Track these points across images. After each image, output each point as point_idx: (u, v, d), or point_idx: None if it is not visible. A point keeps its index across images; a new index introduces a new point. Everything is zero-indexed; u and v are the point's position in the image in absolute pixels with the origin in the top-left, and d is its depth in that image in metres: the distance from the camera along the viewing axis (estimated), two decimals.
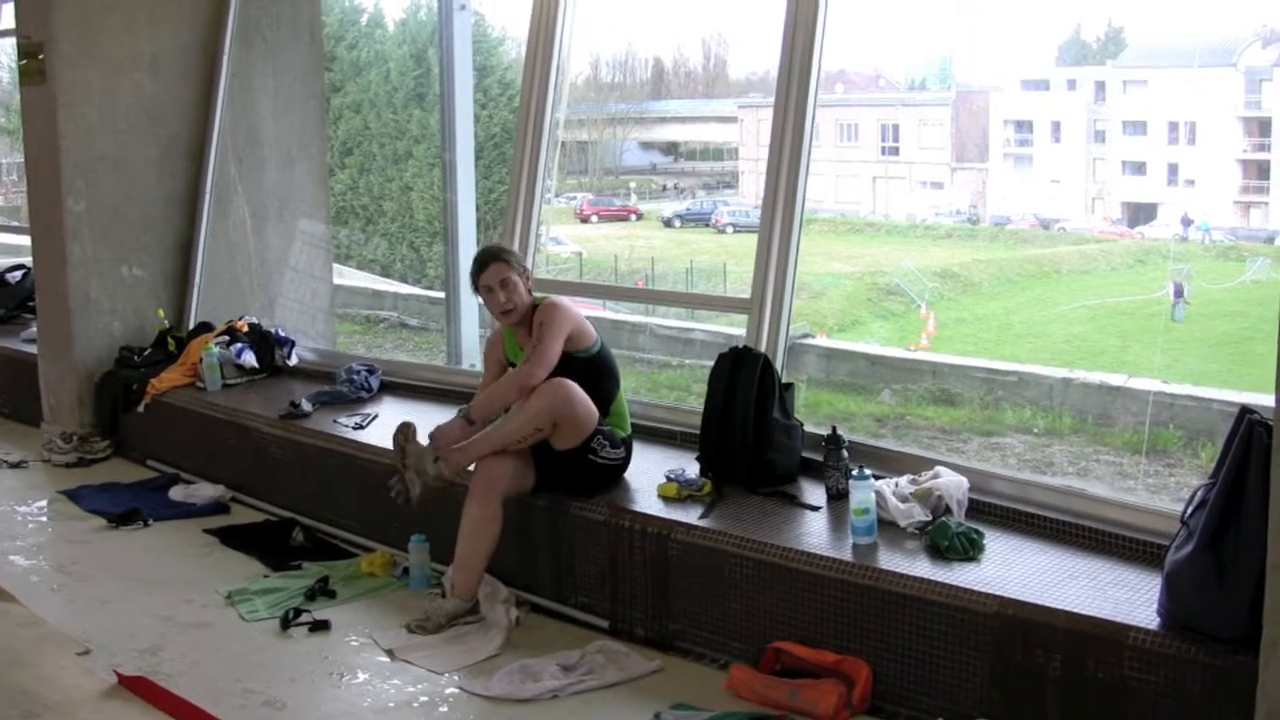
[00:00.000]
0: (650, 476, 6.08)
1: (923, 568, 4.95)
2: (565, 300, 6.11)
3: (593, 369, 5.97)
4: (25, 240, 10.40)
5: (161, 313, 9.12)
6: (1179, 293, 18.86)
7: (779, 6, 6.45)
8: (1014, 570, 4.88)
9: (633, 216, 26.34)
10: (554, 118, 7.72)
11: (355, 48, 26.16)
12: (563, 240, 23.55)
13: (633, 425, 6.32)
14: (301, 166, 9.82)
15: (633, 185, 27.29)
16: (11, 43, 12.24)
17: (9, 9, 11.28)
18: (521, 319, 6.06)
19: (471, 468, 5.89)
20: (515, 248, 7.62)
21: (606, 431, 5.96)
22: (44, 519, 7.70)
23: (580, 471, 5.91)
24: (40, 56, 8.69)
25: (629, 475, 6.14)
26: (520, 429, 5.82)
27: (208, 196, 9.35)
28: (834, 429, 5.82)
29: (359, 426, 7.42)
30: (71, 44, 8.71)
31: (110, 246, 9.00)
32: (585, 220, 26.03)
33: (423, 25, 25.17)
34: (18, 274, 11.14)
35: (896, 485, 5.49)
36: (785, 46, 6.41)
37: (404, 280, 23.98)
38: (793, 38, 6.39)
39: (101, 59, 8.85)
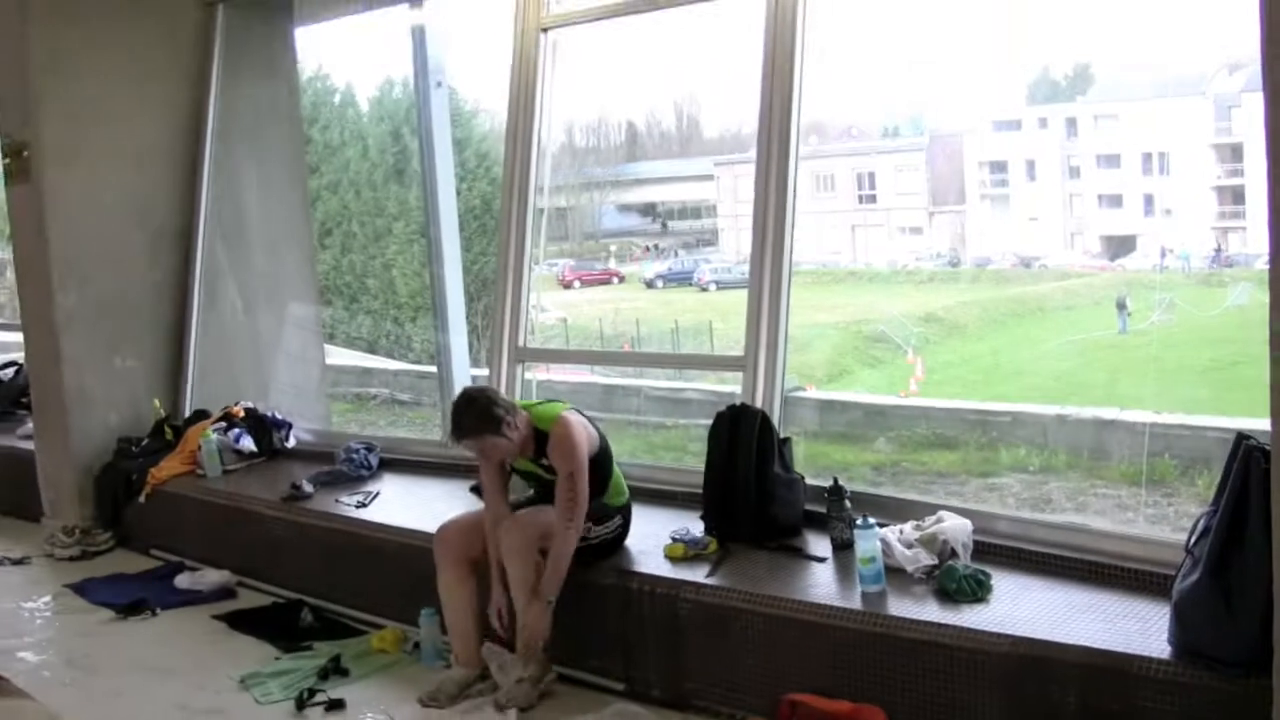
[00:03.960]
0: (656, 538, 6.11)
1: (932, 612, 4.98)
2: (571, 420, 5.84)
3: (595, 466, 5.91)
4: (15, 337, 10.46)
5: (158, 402, 9.15)
6: (1121, 306, 19.02)
7: (751, 64, 6.52)
8: (1023, 608, 4.92)
9: (615, 279, 26.37)
10: (537, 186, 7.78)
11: (328, 129, 26.21)
12: (547, 308, 23.59)
13: (635, 488, 6.36)
14: (288, 249, 9.88)
15: (613, 248, 27.35)
16: None
17: None
18: (521, 447, 5.89)
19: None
20: (506, 317, 7.67)
21: (591, 511, 5.88)
22: (50, 614, 7.70)
23: (579, 557, 5.81)
24: (25, 154, 8.75)
25: (635, 538, 6.16)
26: (526, 577, 5.72)
27: (197, 284, 9.41)
28: (835, 480, 5.86)
29: (361, 505, 7.44)
30: (56, 141, 8.76)
31: (103, 339, 9.04)
32: (568, 286, 26.03)
33: (398, 102, 25.21)
34: (9, 371, 11.16)
35: (901, 532, 5.52)
36: (764, 102, 6.47)
37: (390, 356, 23.94)
38: (770, 93, 6.45)
39: (86, 155, 8.90)
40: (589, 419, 6.11)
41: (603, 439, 6.03)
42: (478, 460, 6.02)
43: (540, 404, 6.07)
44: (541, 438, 5.83)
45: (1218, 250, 20.00)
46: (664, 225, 26.57)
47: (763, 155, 6.50)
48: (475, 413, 5.78)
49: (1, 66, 8.95)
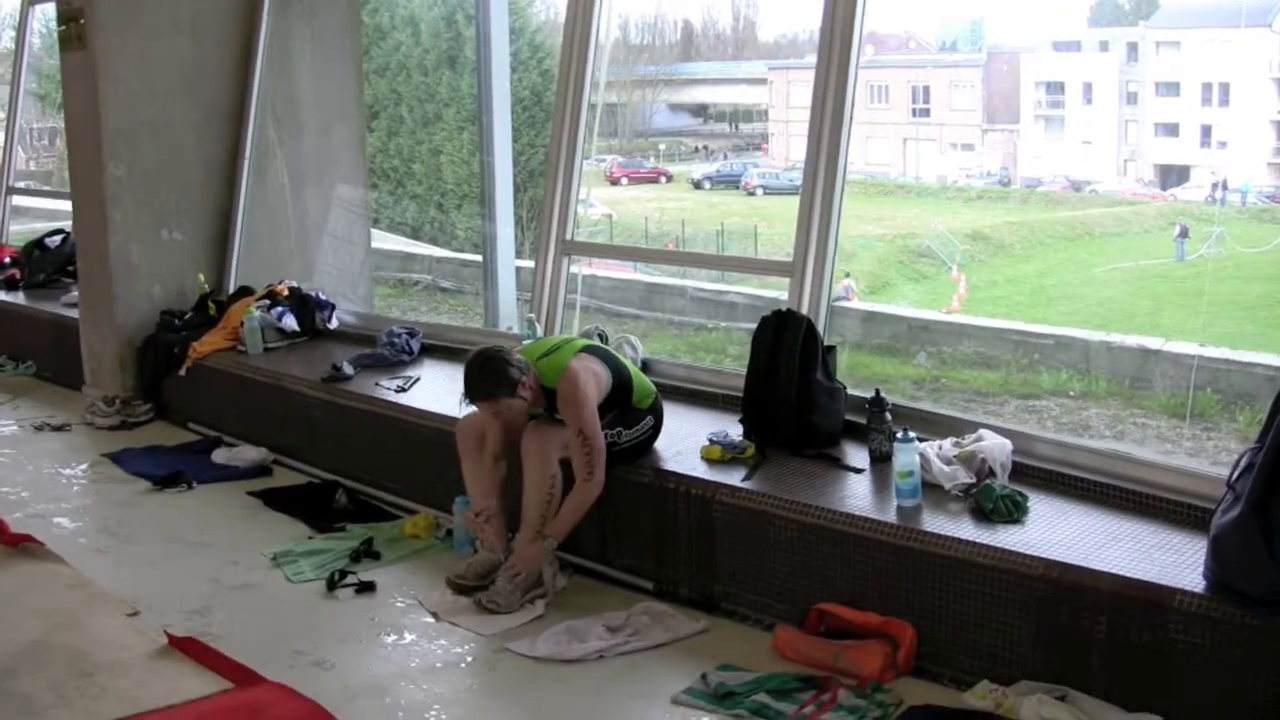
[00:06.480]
0: (693, 439, 6.10)
1: (967, 530, 4.96)
2: (576, 371, 5.77)
3: (615, 395, 5.92)
4: (62, 205, 10.49)
5: (202, 277, 9.17)
6: (1184, 234, 18.89)
7: None
8: (1058, 533, 4.90)
9: (662, 178, 26.27)
10: (593, 81, 7.70)
11: (377, 12, 26.04)
12: (593, 202, 23.51)
13: (675, 388, 6.34)
14: (339, 131, 9.85)
15: (662, 148, 27.22)
16: (41, 9, 12.32)
17: None
18: (533, 403, 5.87)
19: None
20: (555, 210, 7.61)
21: (617, 419, 5.91)
22: (88, 481, 7.79)
23: (613, 459, 5.83)
24: (80, 21, 8.72)
25: (672, 438, 6.15)
26: (541, 499, 5.75)
27: (247, 161, 9.39)
28: (878, 391, 5.82)
29: (401, 389, 7.45)
30: (111, 9, 8.74)
31: (150, 211, 9.05)
32: (615, 182, 25.94)
33: None
34: (56, 239, 11.19)
35: (940, 448, 5.49)
36: (827, 8, 6.38)
37: (433, 243, 23.93)
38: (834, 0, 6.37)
39: (141, 24, 8.87)
40: (602, 346, 6.16)
41: (617, 368, 5.98)
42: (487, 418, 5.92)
43: (546, 353, 5.96)
44: (550, 392, 5.81)
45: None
46: (735, 127, 26.34)
47: (823, 60, 6.41)
48: (490, 375, 5.74)
49: None
